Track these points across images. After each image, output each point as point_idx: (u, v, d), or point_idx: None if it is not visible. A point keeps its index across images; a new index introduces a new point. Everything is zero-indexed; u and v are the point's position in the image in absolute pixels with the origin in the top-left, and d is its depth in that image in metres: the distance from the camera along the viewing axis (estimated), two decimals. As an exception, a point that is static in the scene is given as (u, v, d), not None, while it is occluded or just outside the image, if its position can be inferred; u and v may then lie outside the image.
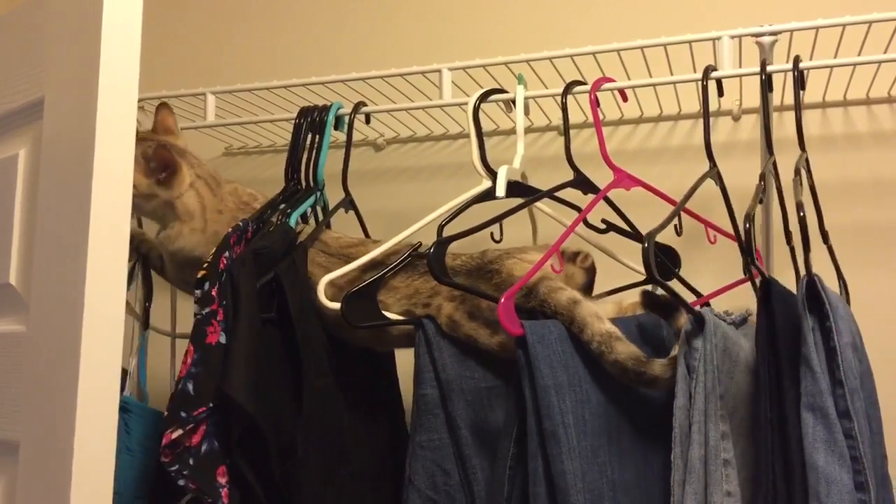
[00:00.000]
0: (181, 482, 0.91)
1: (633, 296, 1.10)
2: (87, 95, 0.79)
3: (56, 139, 0.84)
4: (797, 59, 1.05)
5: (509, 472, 0.91)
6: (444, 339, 0.98)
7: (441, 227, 1.01)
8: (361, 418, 1.03)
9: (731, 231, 1.06)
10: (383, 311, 1.02)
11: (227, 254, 1.00)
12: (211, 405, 0.93)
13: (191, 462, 0.91)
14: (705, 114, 1.05)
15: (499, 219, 1.06)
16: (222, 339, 0.95)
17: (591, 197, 1.09)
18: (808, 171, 1.07)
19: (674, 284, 1.10)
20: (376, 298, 1.02)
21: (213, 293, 0.96)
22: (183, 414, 0.91)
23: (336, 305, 1.00)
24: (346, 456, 0.99)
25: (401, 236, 1.07)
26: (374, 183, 1.29)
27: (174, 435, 0.90)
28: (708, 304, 1.04)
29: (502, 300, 0.91)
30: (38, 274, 0.83)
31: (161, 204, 1.12)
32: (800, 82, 1.04)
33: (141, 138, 1.10)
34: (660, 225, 0.91)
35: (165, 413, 0.92)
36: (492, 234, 1.17)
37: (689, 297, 1.06)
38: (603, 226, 1.17)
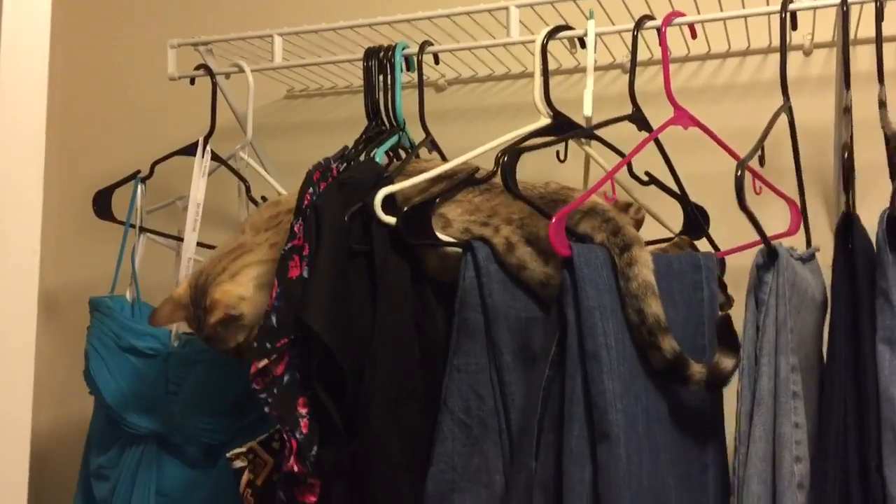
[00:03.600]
0: (266, 409, 0.95)
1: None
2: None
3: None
4: (878, -12, 1.02)
5: (543, 393, 0.91)
6: (493, 265, 0.98)
7: (499, 157, 1.02)
8: (440, 357, 1.01)
9: (793, 165, 1.06)
10: (444, 228, 1.02)
11: (311, 190, 1.02)
12: (293, 337, 0.96)
13: (275, 391, 0.95)
14: (783, 47, 1.03)
15: (565, 138, 1.08)
16: (305, 274, 0.97)
17: (645, 135, 1.08)
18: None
19: (701, 243, 1.13)
20: (431, 222, 1.01)
21: (296, 228, 0.98)
22: (268, 345, 0.95)
23: (391, 219, 1.00)
24: (415, 393, 1.00)
25: (461, 159, 1.07)
26: (435, 124, 1.29)
27: (260, 364, 0.94)
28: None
29: (553, 220, 0.91)
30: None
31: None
32: (881, 12, 1.01)
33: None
34: (750, 152, 0.93)
35: (255, 344, 0.96)
36: (557, 153, 1.18)
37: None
38: (646, 178, 1.17)
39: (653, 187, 1.17)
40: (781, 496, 0.83)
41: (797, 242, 1.08)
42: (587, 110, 1.07)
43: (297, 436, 0.94)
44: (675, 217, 1.18)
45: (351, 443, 0.97)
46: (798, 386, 0.86)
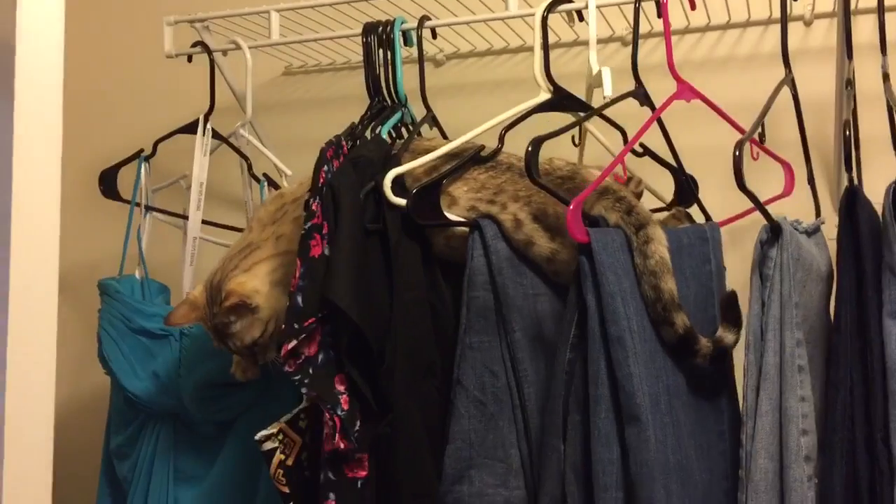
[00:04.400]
0: (303, 391, 0.95)
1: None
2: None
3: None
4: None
5: (565, 376, 0.93)
6: (500, 243, 0.99)
7: (503, 134, 1.04)
8: (451, 335, 1.02)
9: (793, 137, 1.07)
10: (450, 206, 1.02)
11: (325, 168, 1.01)
12: (320, 315, 0.95)
13: (311, 371, 0.95)
14: (783, 18, 1.02)
15: (579, 122, 1.09)
16: (327, 252, 0.97)
17: (644, 109, 1.09)
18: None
19: (692, 210, 1.15)
20: (439, 203, 1.02)
21: (315, 206, 0.98)
22: (295, 326, 0.95)
23: (402, 201, 1.00)
24: (433, 369, 1.01)
25: (465, 138, 1.07)
26: (434, 99, 1.28)
27: (290, 345, 0.94)
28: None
29: (571, 206, 0.92)
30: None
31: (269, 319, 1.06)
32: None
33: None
34: (749, 131, 0.93)
35: (283, 326, 0.96)
36: (573, 137, 1.19)
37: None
38: (640, 150, 1.18)
39: (645, 157, 1.19)
40: (788, 469, 0.85)
41: (806, 211, 1.09)
42: (607, 90, 1.06)
43: (340, 413, 0.94)
44: (662, 185, 1.20)
45: (384, 419, 0.97)
46: (804, 360, 0.87)
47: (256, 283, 1.07)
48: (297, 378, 0.95)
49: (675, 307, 0.93)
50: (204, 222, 1.33)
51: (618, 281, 0.91)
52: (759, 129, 1.00)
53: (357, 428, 0.95)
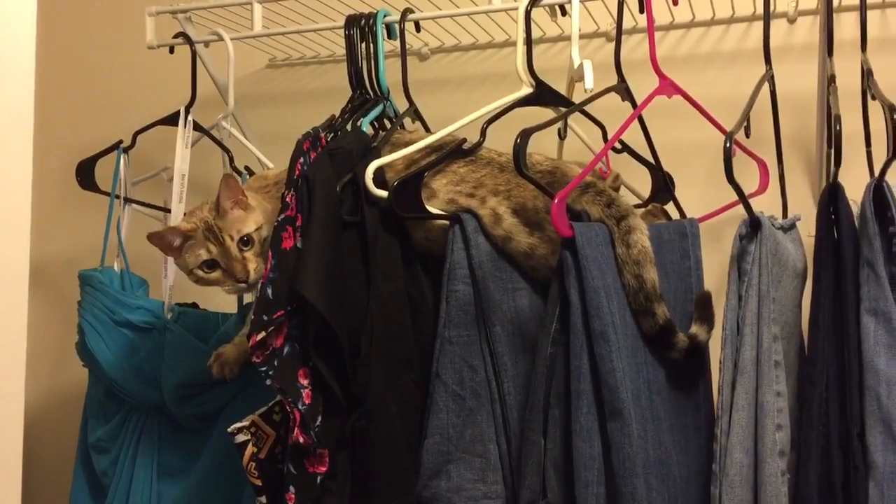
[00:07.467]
0: (268, 382, 0.94)
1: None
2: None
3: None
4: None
5: (546, 371, 0.93)
6: (480, 237, 0.99)
7: (485, 127, 1.04)
8: (429, 328, 1.02)
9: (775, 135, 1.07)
10: (429, 199, 1.02)
11: (302, 160, 1.01)
12: (289, 308, 0.95)
13: (276, 363, 0.94)
14: (766, 14, 1.03)
15: (563, 117, 1.09)
16: (299, 244, 0.96)
17: (626, 104, 1.09)
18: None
19: (668, 206, 1.16)
20: (421, 196, 1.01)
21: (289, 199, 0.98)
22: (265, 318, 0.94)
23: (383, 193, 0.99)
24: (411, 363, 1.01)
25: (445, 131, 1.07)
26: (419, 93, 1.28)
27: (258, 337, 0.93)
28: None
29: (555, 200, 0.92)
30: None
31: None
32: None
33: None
34: (736, 124, 0.94)
35: (252, 317, 0.95)
36: (559, 130, 1.18)
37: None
38: (619, 146, 1.18)
39: (623, 153, 1.19)
40: (763, 464, 0.85)
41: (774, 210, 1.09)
42: (588, 83, 1.06)
43: (300, 407, 0.94)
44: (637, 180, 1.20)
45: (352, 413, 0.97)
46: (780, 355, 0.87)
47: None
48: (263, 369, 0.94)
49: (656, 297, 0.93)
50: (185, 215, 1.32)
51: (602, 275, 0.91)
52: (745, 123, 0.99)
53: (318, 423, 0.95)
